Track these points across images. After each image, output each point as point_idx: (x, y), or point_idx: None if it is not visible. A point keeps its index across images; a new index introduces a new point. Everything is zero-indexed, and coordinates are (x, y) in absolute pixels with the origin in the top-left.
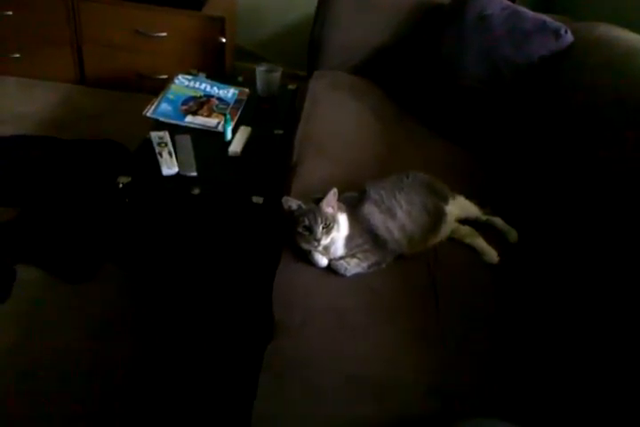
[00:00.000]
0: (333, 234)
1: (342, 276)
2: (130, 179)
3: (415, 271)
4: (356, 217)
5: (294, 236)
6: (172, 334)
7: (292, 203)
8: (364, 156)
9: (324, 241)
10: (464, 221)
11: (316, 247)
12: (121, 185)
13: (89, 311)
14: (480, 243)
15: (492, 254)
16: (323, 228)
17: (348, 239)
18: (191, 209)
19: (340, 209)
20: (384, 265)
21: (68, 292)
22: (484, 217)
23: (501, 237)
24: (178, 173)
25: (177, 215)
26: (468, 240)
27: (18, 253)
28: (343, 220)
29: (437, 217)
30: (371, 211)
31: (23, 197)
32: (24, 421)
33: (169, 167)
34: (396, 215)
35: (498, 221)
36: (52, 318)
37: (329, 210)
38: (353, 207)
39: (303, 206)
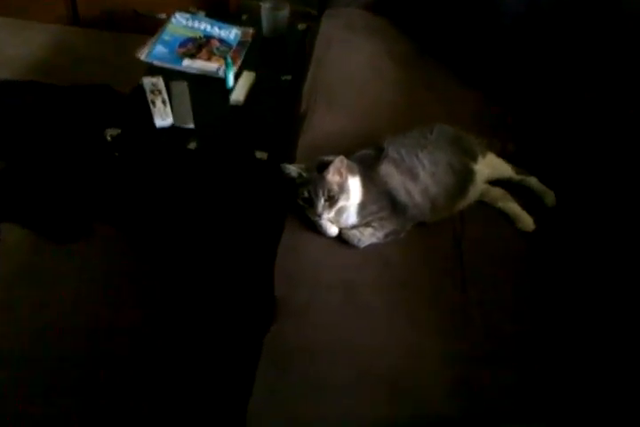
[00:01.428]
0: (341, 204)
1: (355, 247)
2: (119, 131)
3: (438, 242)
4: (371, 179)
5: (298, 203)
6: (169, 300)
7: (292, 170)
8: (380, 106)
9: (327, 215)
10: (495, 182)
11: (318, 221)
12: (109, 138)
13: (79, 275)
14: (513, 207)
15: (526, 221)
16: (325, 200)
17: (362, 206)
18: (187, 165)
19: (351, 171)
20: (403, 234)
21: (56, 254)
22: (518, 177)
23: (537, 201)
24: (172, 125)
25: (172, 172)
26: (499, 204)
27: (1, 211)
28: (355, 184)
29: (465, 178)
30: (389, 172)
31: (9, 149)
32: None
33: (163, 118)
34: (418, 177)
35: (533, 181)
36: (39, 283)
37: (335, 178)
38: (368, 168)
39: (304, 174)
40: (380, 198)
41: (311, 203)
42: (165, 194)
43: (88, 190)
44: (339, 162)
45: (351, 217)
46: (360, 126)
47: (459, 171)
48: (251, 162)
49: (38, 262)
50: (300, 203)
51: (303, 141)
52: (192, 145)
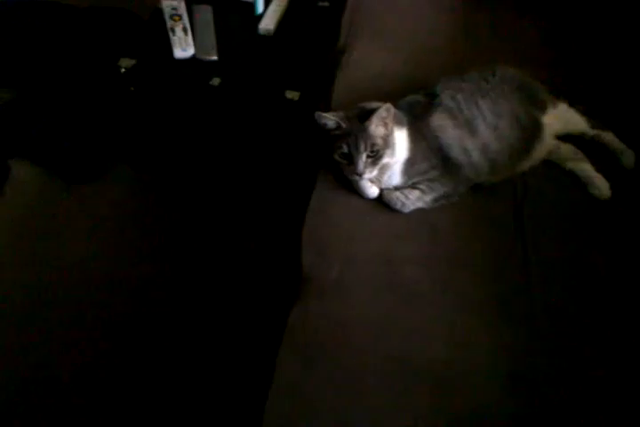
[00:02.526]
0: (385, 160)
1: (397, 212)
2: (134, 62)
3: (497, 209)
4: (420, 132)
5: (334, 158)
6: (184, 256)
7: (328, 120)
8: (434, 42)
9: (369, 174)
10: (565, 137)
11: (358, 180)
12: (123, 70)
13: (91, 217)
14: (587, 169)
15: (602, 186)
16: (368, 156)
17: (409, 164)
18: (209, 103)
19: (398, 122)
20: (455, 198)
21: (68, 195)
22: (593, 132)
23: (614, 162)
24: (194, 57)
25: (192, 110)
26: (570, 165)
27: (11, 146)
28: (401, 138)
29: (532, 133)
30: (442, 124)
31: (21, 76)
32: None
33: (183, 49)
34: (478, 131)
35: (610, 137)
36: (49, 225)
37: (379, 130)
38: (417, 118)
39: (343, 125)
40: (430, 155)
41: (350, 159)
42: (185, 134)
43: (102, 126)
44: (384, 111)
45: (395, 177)
46: (409, 64)
47: (525, 124)
48: (280, 102)
49: (49, 205)
50: (336, 158)
51: (340, 81)
52: (215, 81)
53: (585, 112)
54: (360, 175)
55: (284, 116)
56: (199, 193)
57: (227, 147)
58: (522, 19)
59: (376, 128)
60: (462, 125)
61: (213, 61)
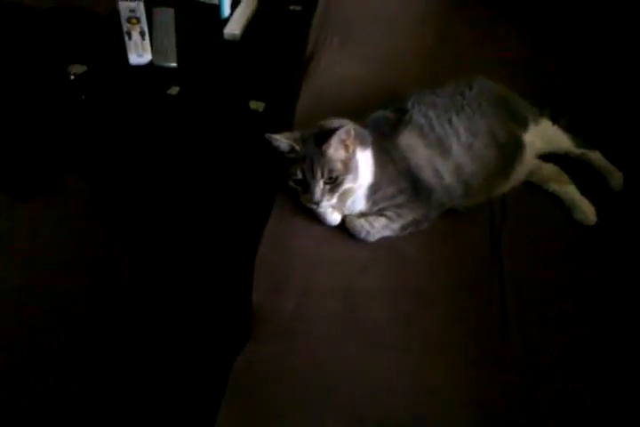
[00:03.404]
0: (347, 186)
1: (361, 241)
2: (85, 68)
3: (471, 236)
4: (387, 153)
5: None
6: (132, 282)
7: (281, 142)
8: (407, 48)
9: (327, 202)
10: (548, 156)
11: (315, 209)
12: (73, 76)
13: (45, 236)
14: (571, 191)
15: (587, 210)
16: (325, 183)
17: (373, 188)
18: (167, 114)
19: (361, 143)
20: (426, 225)
21: (19, 212)
22: (578, 151)
23: (600, 183)
24: (151, 63)
25: (148, 121)
26: (553, 186)
27: None
28: (365, 160)
29: (511, 152)
30: (411, 143)
31: None
32: None
33: (139, 54)
34: (450, 150)
35: (596, 156)
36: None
37: (338, 154)
38: (384, 137)
39: (297, 147)
40: (397, 179)
41: (306, 186)
42: (141, 147)
43: (51, 138)
44: (344, 133)
45: (359, 202)
46: (379, 73)
47: (504, 143)
48: (243, 114)
49: None
50: (291, 185)
51: (306, 91)
52: (173, 90)
53: (570, 126)
54: (317, 204)
55: (247, 130)
56: (152, 210)
57: (184, 161)
58: (503, 21)
59: (335, 151)
60: (434, 145)
61: (172, 68)
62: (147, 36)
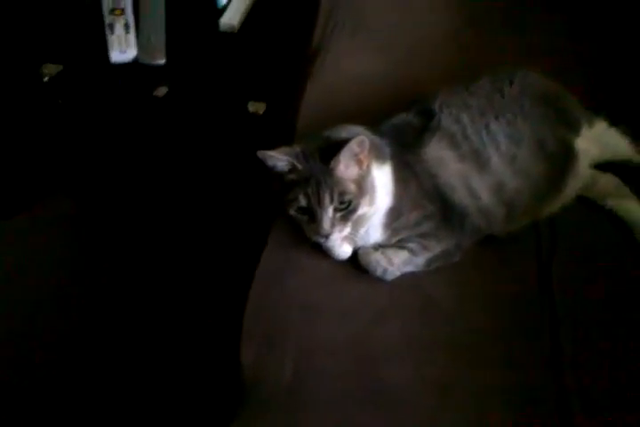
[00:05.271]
0: (361, 212)
1: (378, 280)
2: (61, 68)
3: (514, 271)
4: (410, 169)
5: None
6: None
7: (278, 160)
8: (428, 38)
9: (339, 234)
10: (603, 166)
11: (324, 243)
12: (47, 78)
13: (26, 255)
14: (633, 209)
15: None
16: (336, 210)
17: (393, 215)
18: (155, 118)
19: (377, 156)
20: (457, 257)
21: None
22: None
23: None
24: (136, 60)
25: (133, 127)
26: (611, 203)
27: None
28: (383, 178)
29: (562, 163)
30: (441, 156)
31: None
32: None
33: (122, 50)
34: (489, 164)
35: None
36: None
37: (350, 172)
38: (405, 148)
39: (298, 166)
40: (423, 201)
41: (312, 214)
42: (126, 156)
43: (25, 147)
44: (356, 145)
45: (374, 231)
46: (397, 69)
47: (553, 151)
48: (241, 118)
49: None
50: (292, 214)
51: (312, 89)
52: (161, 91)
53: (629, 133)
54: (326, 237)
55: (245, 136)
56: (142, 223)
57: (175, 171)
58: (542, 9)
59: (346, 169)
60: (468, 158)
61: (160, 65)
62: (132, 30)
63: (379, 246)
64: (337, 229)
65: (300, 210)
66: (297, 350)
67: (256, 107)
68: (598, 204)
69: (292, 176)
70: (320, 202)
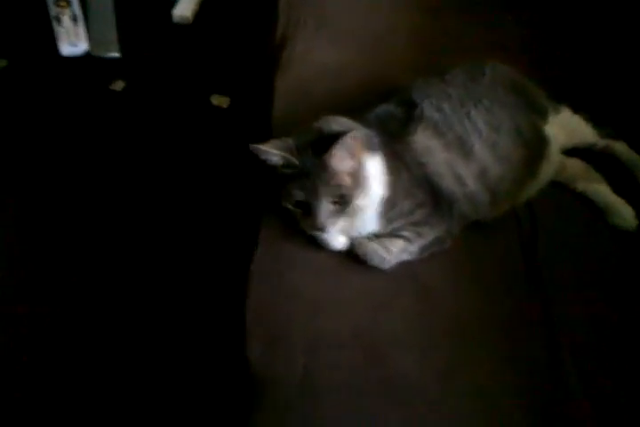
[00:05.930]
0: (357, 203)
1: (375, 270)
2: (5, 63)
3: (500, 253)
4: (400, 158)
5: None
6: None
7: (273, 154)
8: (392, 29)
9: (335, 226)
10: (570, 151)
11: (320, 235)
12: None
13: None
14: (603, 191)
15: (626, 213)
16: (333, 202)
17: (388, 204)
18: (111, 114)
19: (368, 147)
20: (448, 243)
21: None
22: (603, 142)
23: (629, 178)
24: (88, 54)
25: (89, 122)
26: (582, 186)
27: None
28: (375, 169)
29: (537, 148)
30: (427, 145)
31: None
32: None
33: (72, 43)
34: (473, 151)
35: (623, 148)
36: None
37: (344, 164)
38: (394, 138)
39: (293, 160)
40: (414, 190)
41: (307, 208)
42: (81, 154)
43: None
44: (350, 139)
45: (370, 222)
46: (367, 60)
47: (529, 138)
48: (205, 111)
49: None
50: (287, 207)
51: (282, 83)
52: (118, 84)
53: (589, 120)
54: (322, 230)
55: (209, 130)
56: (99, 228)
57: (135, 169)
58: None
59: (340, 162)
60: (453, 145)
61: (115, 59)
62: (80, 21)
63: (373, 236)
64: (333, 221)
65: (298, 204)
66: (304, 344)
67: (220, 100)
68: (569, 187)
69: (286, 170)
70: (316, 195)
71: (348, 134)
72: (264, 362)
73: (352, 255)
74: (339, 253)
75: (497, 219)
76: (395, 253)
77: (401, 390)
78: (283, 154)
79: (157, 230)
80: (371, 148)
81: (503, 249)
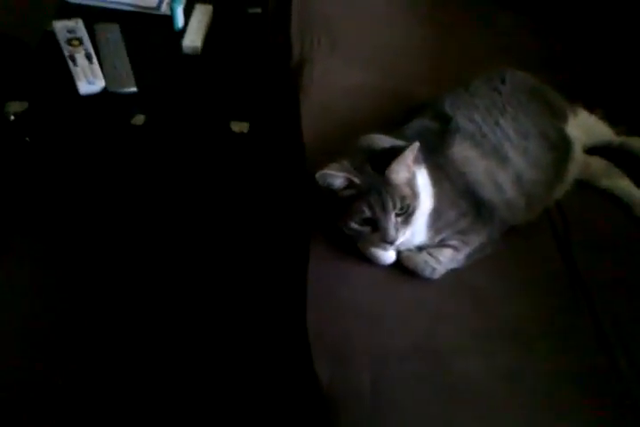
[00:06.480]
0: (417, 214)
1: (424, 280)
2: (26, 105)
3: (539, 253)
4: (442, 169)
5: (339, 222)
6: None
7: (335, 178)
8: (403, 45)
9: (402, 238)
10: (589, 150)
11: (386, 249)
12: (12, 117)
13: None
14: (626, 186)
15: None
16: (398, 215)
17: (436, 215)
18: (134, 148)
19: (416, 160)
20: (490, 249)
21: None
22: (618, 140)
23: None
24: (105, 90)
25: (112, 159)
26: (605, 182)
27: None
28: (423, 179)
29: (563, 150)
30: (466, 155)
31: None
32: None
33: (90, 81)
34: (508, 158)
35: (638, 143)
36: None
37: (402, 176)
38: (433, 150)
39: (356, 181)
40: (457, 199)
41: (374, 223)
42: (107, 192)
43: None
44: (410, 152)
45: (419, 233)
46: (384, 78)
47: (555, 141)
48: (226, 138)
49: None
50: (353, 227)
51: (307, 105)
52: (138, 119)
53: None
54: (392, 243)
55: (233, 155)
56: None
57: (164, 205)
58: (500, 7)
59: (398, 175)
60: (490, 154)
61: (132, 94)
62: (94, 59)
63: (419, 248)
64: (401, 233)
65: (365, 221)
66: (369, 360)
67: (240, 126)
68: (594, 185)
69: (348, 192)
70: (384, 209)
71: (410, 147)
72: (334, 382)
73: (398, 268)
74: (386, 268)
75: (531, 222)
76: (444, 262)
77: (468, 394)
78: (347, 175)
79: (196, 259)
80: (417, 161)
81: (540, 250)
